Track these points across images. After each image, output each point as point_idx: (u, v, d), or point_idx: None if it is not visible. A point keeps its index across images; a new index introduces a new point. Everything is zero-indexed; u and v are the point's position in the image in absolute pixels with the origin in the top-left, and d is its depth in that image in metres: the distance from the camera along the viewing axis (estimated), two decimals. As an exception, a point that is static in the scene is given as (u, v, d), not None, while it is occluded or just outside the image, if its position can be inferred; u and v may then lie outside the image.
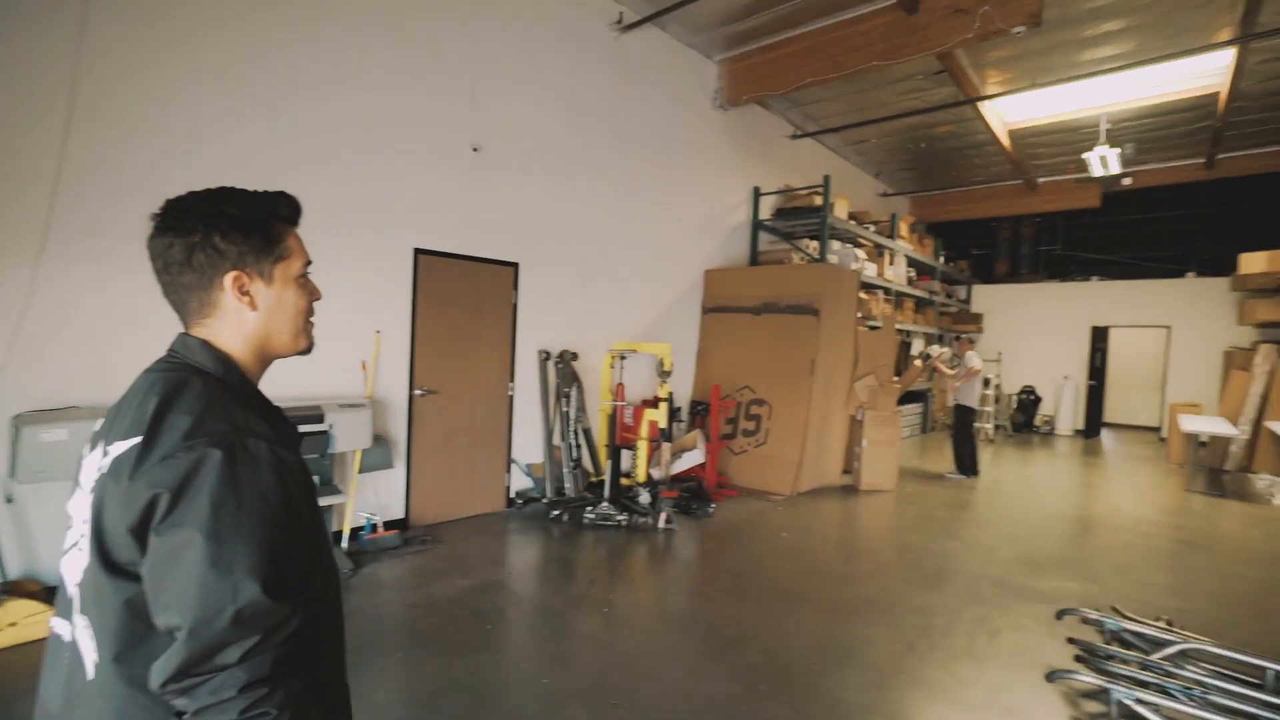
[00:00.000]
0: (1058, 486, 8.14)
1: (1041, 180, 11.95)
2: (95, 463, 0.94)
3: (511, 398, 6.14)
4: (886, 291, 10.05)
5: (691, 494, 6.56)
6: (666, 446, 6.43)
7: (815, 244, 8.81)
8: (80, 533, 0.93)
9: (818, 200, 8.43)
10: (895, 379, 10.28)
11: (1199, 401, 10.74)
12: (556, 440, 6.20)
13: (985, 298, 14.12)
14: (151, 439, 0.87)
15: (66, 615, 0.94)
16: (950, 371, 8.41)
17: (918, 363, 8.45)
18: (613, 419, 6.23)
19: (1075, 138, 9.88)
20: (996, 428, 12.14)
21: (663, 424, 6.33)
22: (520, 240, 6.13)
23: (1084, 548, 5.56)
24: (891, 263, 10.13)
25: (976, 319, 13.46)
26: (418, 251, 5.44)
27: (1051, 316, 13.28)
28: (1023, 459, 10.06)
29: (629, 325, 7.29)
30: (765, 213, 9.04)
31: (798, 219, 8.76)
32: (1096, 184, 11.24)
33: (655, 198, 7.54)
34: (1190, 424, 8.24)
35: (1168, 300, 12.20)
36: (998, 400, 12.20)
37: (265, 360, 1.06)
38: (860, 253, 9.05)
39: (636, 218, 7.31)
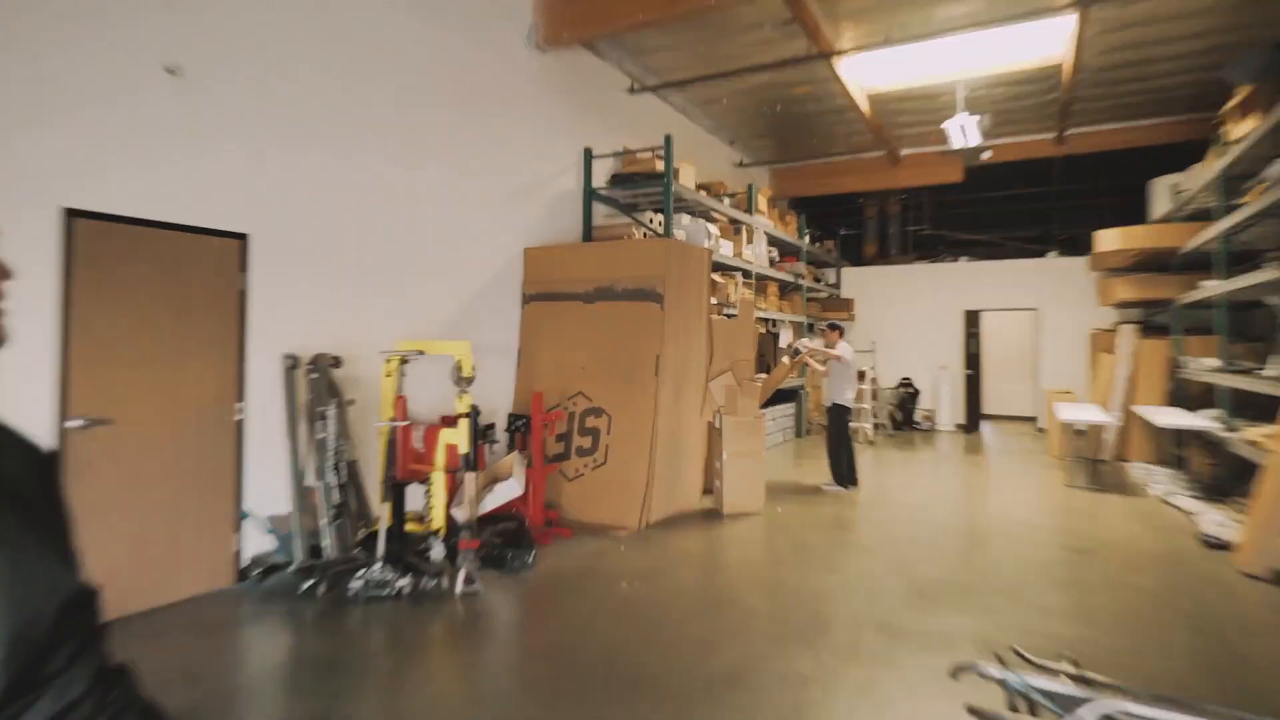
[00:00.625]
0: (943, 492, 8.07)
1: (905, 153, 12.24)
2: None
3: (240, 423, 4.89)
4: (746, 274, 9.69)
5: (508, 539, 5.62)
6: (471, 478, 5.44)
7: (660, 218, 8.18)
8: None
9: (660, 165, 7.80)
10: (759, 377, 9.97)
11: (1070, 388, 11.37)
12: (311, 480, 5.01)
13: (856, 281, 14.39)
14: None
15: None
16: (822, 367, 8.12)
17: (786, 360, 8.04)
18: (392, 445, 5.15)
19: (935, 105, 10.07)
20: (876, 427, 12.26)
21: (464, 448, 5.33)
22: (254, 205, 4.90)
23: (975, 567, 5.26)
24: (750, 241, 9.79)
25: (847, 305, 13.63)
26: (71, 214, 4.10)
27: (924, 300, 13.73)
28: (905, 461, 10.09)
29: (423, 320, 6.22)
30: (601, 180, 8.29)
31: (638, 187, 8.10)
32: (958, 157, 11.67)
33: (456, 158, 6.54)
34: (1066, 413, 8.50)
35: (1034, 281, 12.95)
36: (875, 396, 12.32)
37: None
38: (713, 228, 8.57)
39: (430, 182, 6.26)
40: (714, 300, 8.40)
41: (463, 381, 5.42)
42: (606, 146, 8.36)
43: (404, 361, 5.45)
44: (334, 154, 5.46)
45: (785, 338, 11.56)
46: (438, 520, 5.39)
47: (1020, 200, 13.52)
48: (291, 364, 5.00)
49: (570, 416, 6.82)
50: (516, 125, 7.27)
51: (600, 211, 8.51)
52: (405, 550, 5.01)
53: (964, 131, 9.31)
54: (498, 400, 7.05)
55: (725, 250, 9.05)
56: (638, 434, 6.44)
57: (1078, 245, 12.63)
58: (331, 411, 4.94)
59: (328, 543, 4.88)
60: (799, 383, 11.84)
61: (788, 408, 11.71)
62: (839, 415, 7.93)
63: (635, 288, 6.68)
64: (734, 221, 9.64)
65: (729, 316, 8.28)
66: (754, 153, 12.62)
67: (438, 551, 4.85)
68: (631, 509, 6.30)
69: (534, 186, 7.53)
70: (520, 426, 6.37)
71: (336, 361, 5.14)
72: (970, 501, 7.61)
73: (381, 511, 4.86)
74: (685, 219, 8.54)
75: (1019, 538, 6.03)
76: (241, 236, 4.90)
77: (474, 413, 5.58)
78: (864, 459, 10.00)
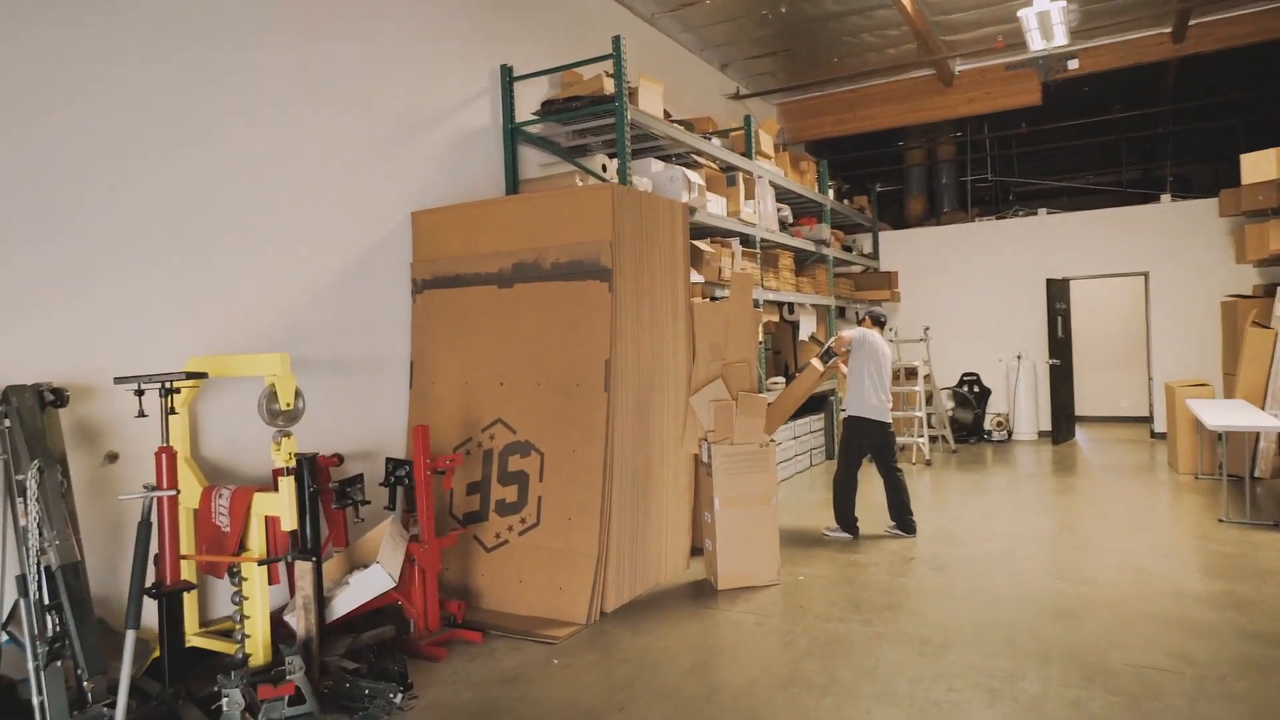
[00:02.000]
0: (1035, 537, 6.82)
1: (960, 68, 11.02)
2: None
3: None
4: (746, 241, 8.45)
5: (377, 656, 4.38)
6: (305, 569, 4.21)
7: (615, 164, 6.95)
8: None
9: (609, 83, 6.56)
10: (770, 386, 8.72)
11: (1203, 378, 10.14)
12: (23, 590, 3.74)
13: (898, 249, 13.14)
14: None
15: None
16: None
17: (816, 362, 6.74)
18: (146, 528, 3.87)
19: (1001, -4, 8.89)
20: (933, 440, 11.01)
21: (287, 522, 4.12)
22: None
23: (1118, 686, 3.99)
24: (751, 195, 8.55)
25: (888, 280, 12.38)
26: None
27: (991, 269, 12.50)
28: (975, 488, 8.83)
29: (242, 326, 4.98)
30: (528, 112, 7.06)
31: (582, 119, 6.86)
32: (1034, 71, 10.47)
33: (290, 80, 5.29)
34: (1210, 416, 7.24)
35: (1141, 237, 11.73)
36: (930, 399, 11.08)
37: None
38: (695, 177, 7.33)
39: (248, 115, 5.02)
40: (698, 278, 7.16)
41: (279, 417, 4.18)
42: (535, 64, 7.13)
43: (167, 392, 4.19)
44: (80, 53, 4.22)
45: (807, 328, 10.32)
46: (254, 639, 4.16)
47: (1120, 128, 12.31)
48: None
49: (486, 457, 5.58)
50: (391, 35, 6.03)
51: (532, 160, 7.28)
52: (181, 695, 3.76)
53: (1044, 26, 8.10)
54: (386, 437, 5.81)
55: (715, 207, 7.81)
56: (583, 478, 5.19)
57: (1198, 185, 11.44)
58: (33, 481, 3.66)
59: (44, 687, 3.61)
60: (829, 385, 10.60)
61: (812, 420, 10.47)
62: (852, 432, 6.90)
63: (570, 260, 5.43)
64: (727, 169, 8.40)
65: (715, 300, 7.04)
66: (754, 80, 11.41)
67: (232, 703, 3.58)
68: (578, 592, 5.05)
69: (424, 123, 6.29)
70: (402, 477, 5.12)
71: (57, 397, 3.87)
72: (1078, 551, 6.34)
73: (125, 645, 3.58)
74: (656, 165, 7.31)
75: (1164, 618, 4.77)
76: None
77: (303, 466, 4.35)
78: (919, 485, 8.77)
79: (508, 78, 6.99)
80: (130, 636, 3.61)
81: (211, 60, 4.87)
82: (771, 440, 5.67)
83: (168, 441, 4.09)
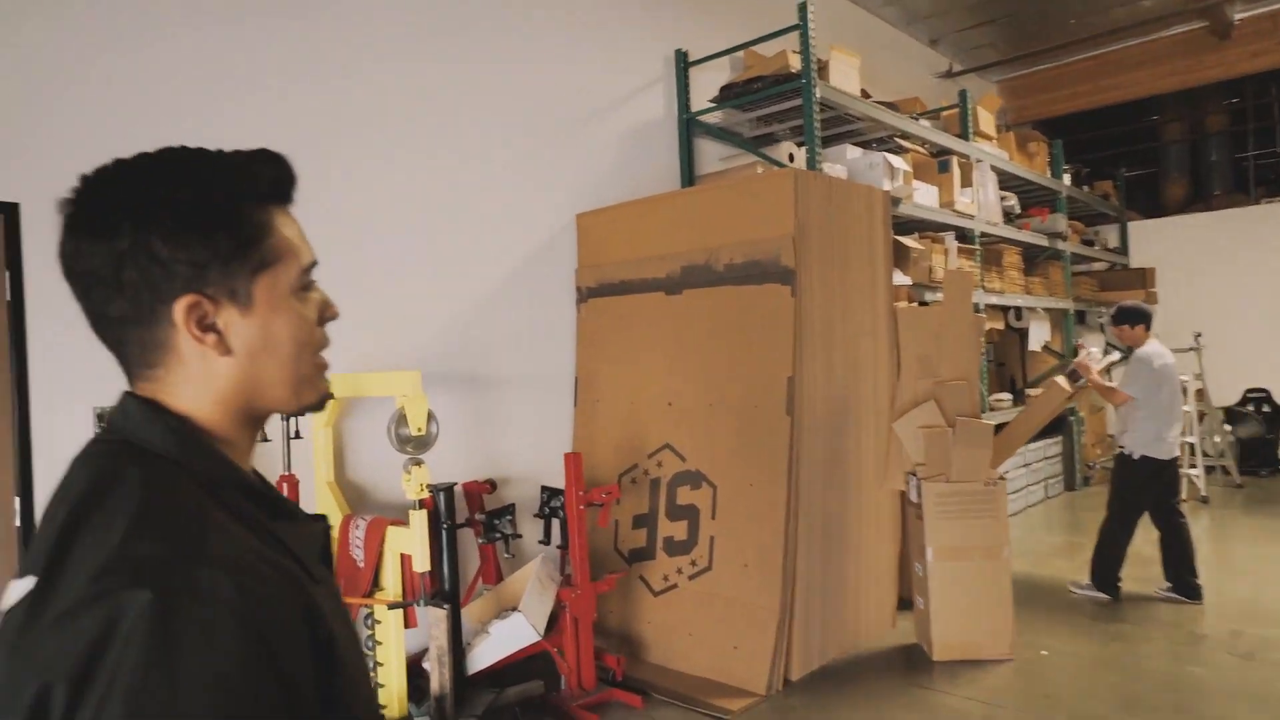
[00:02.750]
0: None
1: (1240, 16, 9.17)
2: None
3: (26, 532, 3.51)
4: (963, 236, 7.31)
5: (520, 718, 3.86)
6: (439, 616, 3.74)
7: (803, 152, 6.13)
8: None
9: (794, 60, 5.76)
10: (993, 404, 7.48)
11: None
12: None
13: (1153, 241, 11.24)
14: (50, 577, 0.70)
15: None
16: (1109, 382, 5.62)
17: (1061, 381, 5.48)
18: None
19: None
20: (1209, 471, 9.20)
21: (420, 563, 3.67)
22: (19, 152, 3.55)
23: None
24: (968, 183, 7.40)
25: (1141, 278, 10.58)
26: None
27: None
28: (1275, 538, 7.13)
29: (395, 340, 4.65)
30: (705, 100, 6.39)
31: (766, 103, 6.11)
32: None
33: (443, 79, 4.94)
34: None
35: None
36: (1201, 419, 9.27)
37: (253, 424, 0.90)
38: (900, 163, 6.35)
39: (400, 118, 4.70)
40: (904, 279, 6.18)
41: (409, 443, 3.73)
42: (711, 45, 6.44)
43: (286, 416, 3.81)
44: (186, 71, 4.01)
45: (1039, 336, 8.93)
46: (387, 689, 3.75)
47: None
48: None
49: (653, 487, 4.94)
50: (554, 24, 5.57)
51: (710, 154, 6.61)
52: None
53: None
54: (553, 459, 5.31)
55: (924, 197, 6.78)
56: (762, 517, 4.42)
57: None
58: None
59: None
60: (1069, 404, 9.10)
61: (1047, 444, 9.01)
62: (1136, 475, 5.45)
63: (746, 260, 4.69)
64: (938, 153, 7.33)
65: (924, 305, 6.02)
66: (970, 54, 10.13)
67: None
68: (756, 655, 4.28)
69: (591, 118, 5.79)
70: (556, 509, 4.57)
71: None
72: None
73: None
74: (852, 152, 6.40)
75: None
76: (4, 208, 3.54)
77: (439, 498, 3.89)
78: (1195, 530, 7.17)
79: (682, 64, 6.37)
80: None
81: (364, 67, 4.58)
82: (1000, 478, 4.62)
83: (289, 468, 3.75)
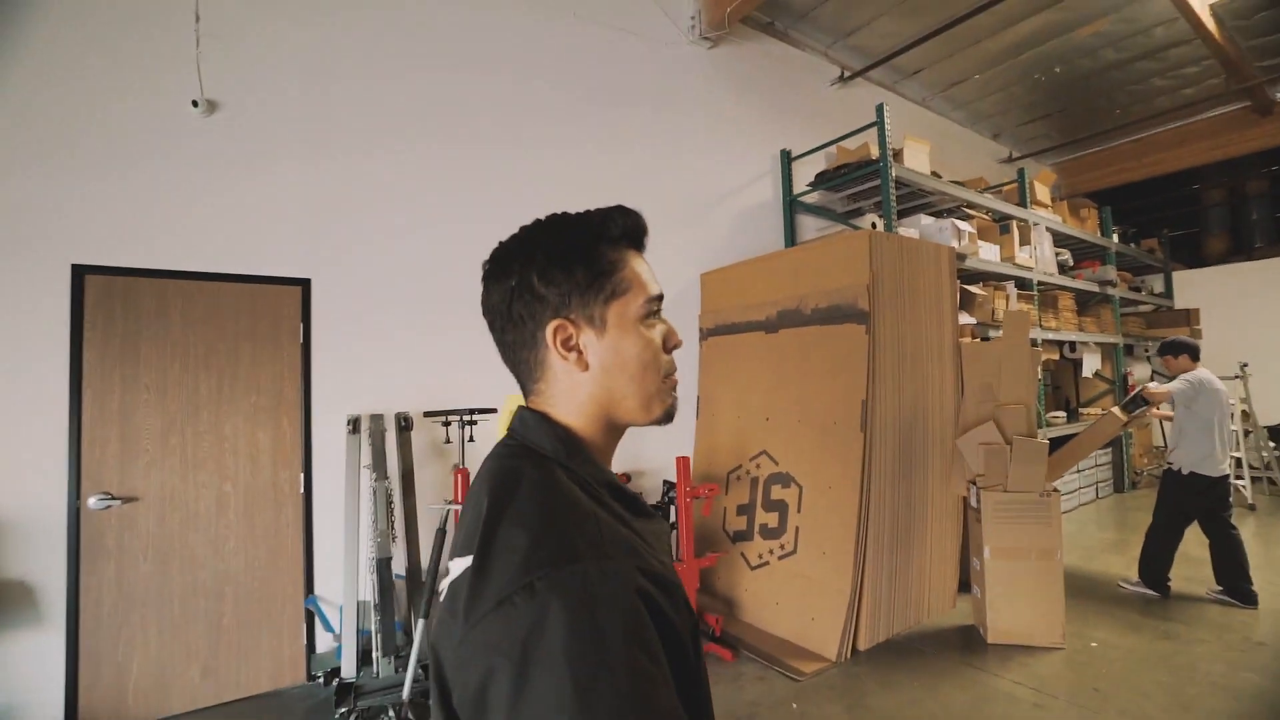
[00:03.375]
0: None
1: None
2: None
3: (308, 498, 3.37)
4: (1022, 285, 6.04)
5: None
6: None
7: (882, 222, 5.23)
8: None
9: (874, 149, 4.90)
10: (1050, 420, 6.08)
11: None
12: (366, 570, 3.25)
13: (1196, 287, 9.05)
14: (484, 564, 0.64)
15: None
16: (1168, 410, 4.29)
17: (1116, 410, 4.09)
18: (441, 536, 3.17)
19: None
20: (1254, 481, 7.16)
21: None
22: (313, 244, 3.46)
23: None
24: (1026, 241, 6.11)
25: (1185, 318, 8.50)
26: (80, 270, 2.96)
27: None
28: (1322, 544, 5.31)
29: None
30: (804, 185, 5.63)
31: (852, 184, 5.27)
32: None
33: (603, 177, 4.55)
34: None
35: None
36: (1248, 435, 7.24)
37: (614, 433, 0.78)
38: (966, 226, 5.28)
39: (556, 205, 4.35)
40: (969, 319, 5.11)
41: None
42: (808, 144, 5.67)
43: (470, 422, 3.46)
44: (422, 177, 3.82)
45: (1091, 365, 7.32)
46: None
47: None
48: (352, 427, 3.33)
49: (753, 484, 4.24)
50: (689, 133, 5.05)
51: (809, 226, 5.82)
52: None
53: None
54: (673, 461, 4.77)
55: (987, 254, 5.63)
56: (838, 514, 3.62)
57: None
58: (379, 487, 3.13)
59: (379, 653, 3.04)
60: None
61: (1098, 452, 7.33)
62: (1184, 489, 4.07)
63: (829, 305, 3.92)
64: (1000, 219, 6.11)
65: (985, 340, 4.91)
66: (1027, 143, 8.59)
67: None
68: (829, 627, 3.48)
69: (715, 201, 5.20)
70: (673, 499, 3.99)
71: (407, 423, 3.36)
72: None
73: (415, 631, 2.88)
74: (925, 220, 5.41)
75: None
76: (302, 282, 3.45)
77: None
78: (1246, 533, 5.46)
79: (786, 160, 5.64)
80: (420, 624, 2.90)
81: (555, 178, 4.27)
82: (1054, 489, 3.54)
83: (464, 463, 3.41)
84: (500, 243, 0.77)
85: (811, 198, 5.59)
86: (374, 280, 3.62)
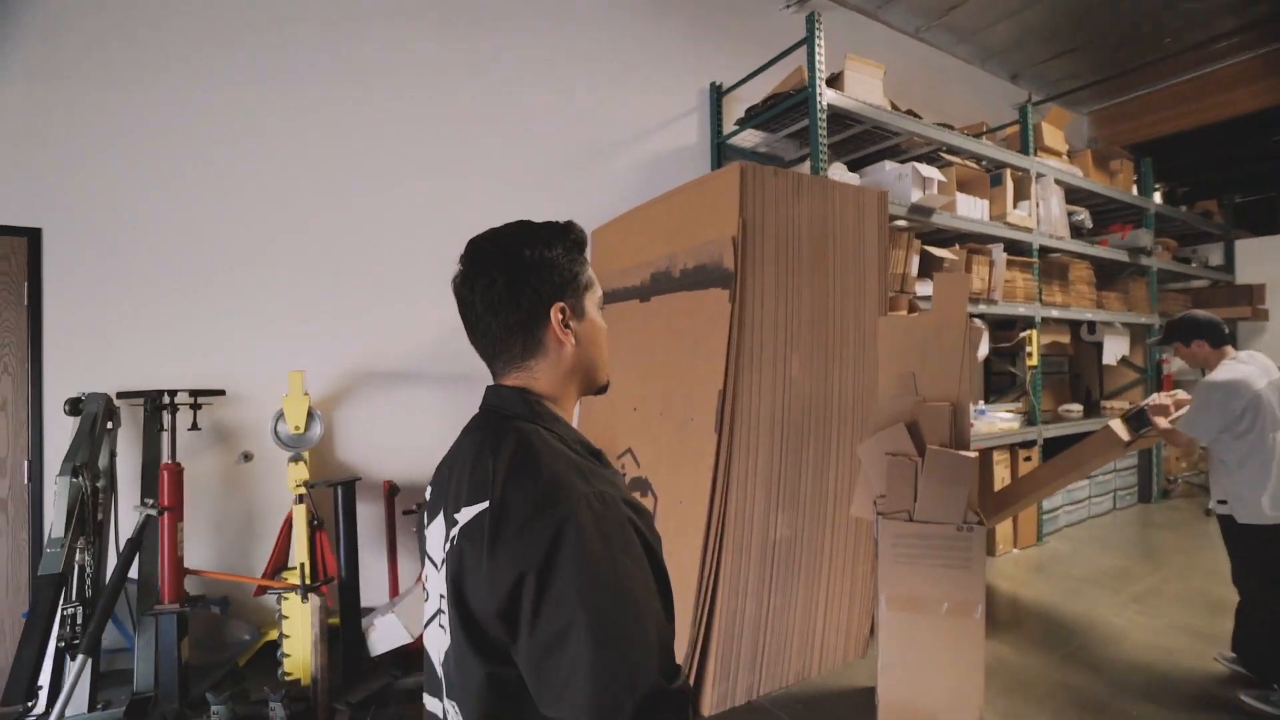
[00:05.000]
0: None
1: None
2: (440, 534, 0.86)
3: (36, 493, 2.73)
4: (1016, 249, 4.82)
5: (377, 705, 2.53)
6: (313, 606, 2.51)
7: (840, 170, 4.15)
8: (438, 607, 0.84)
9: (806, 72, 3.81)
10: (1063, 413, 4.86)
11: None
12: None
13: (1265, 259, 7.41)
14: (501, 506, 0.77)
15: (437, 695, 0.86)
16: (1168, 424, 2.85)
17: (1116, 425, 2.84)
18: (133, 545, 2.41)
19: None
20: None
21: (298, 554, 2.46)
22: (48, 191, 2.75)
23: None
24: (1025, 196, 4.87)
25: (1248, 295, 6.94)
26: None
27: None
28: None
29: (383, 348, 3.47)
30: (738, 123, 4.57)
31: (783, 120, 4.21)
32: None
33: (465, 109, 3.68)
34: None
35: None
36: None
37: (577, 398, 0.95)
38: (933, 172, 4.12)
39: (411, 146, 3.51)
40: (903, 288, 4.02)
41: (287, 441, 2.50)
42: (754, 89, 4.60)
43: (159, 405, 2.68)
44: (199, 104, 3.04)
45: (1115, 350, 6.01)
46: (294, 660, 2.58)
47: None
48: (69, 408, 2.60)
49: (621, 486, 3.34)
50: (588, 60, 4.10)
51: (749, 176, 4.76)
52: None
53: None
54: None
55: (970, 209, 4.47)
56: (685, 537, 2.71)
57: None
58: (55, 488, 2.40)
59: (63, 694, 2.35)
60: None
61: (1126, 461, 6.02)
62: (1250, 543, 2.68)
63: (697, 265, 2.95)
64: (996, 169, 4.89)
65: (917, 315, 3.80)
66: (1052, 85, 7.14)
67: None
68: (672, 684, 2.59)
69: (623, 145, 4.24)
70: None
71: (162, 401, 2.60)
72: None
73: (71, 672, 2.14)
74: (889, 166, 4.29)
75: None
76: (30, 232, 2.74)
77: (338, 492, 2.64)
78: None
79: (716, 95, 4.60)
80: (79, 662, 2.18)
81: (405, 92, 3.43)
82: (978, 522, 2.51)
83: (176, 457, 2.64)
84: (479, 239, 0.88)
85: (745, 140, 4.53)
86: (119, 234, 2.89)
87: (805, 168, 4.31)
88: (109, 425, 2.63)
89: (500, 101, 3.78)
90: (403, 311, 3.45)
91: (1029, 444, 4.77)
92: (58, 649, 2.28)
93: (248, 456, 3.05)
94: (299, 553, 2.49)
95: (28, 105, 2.77)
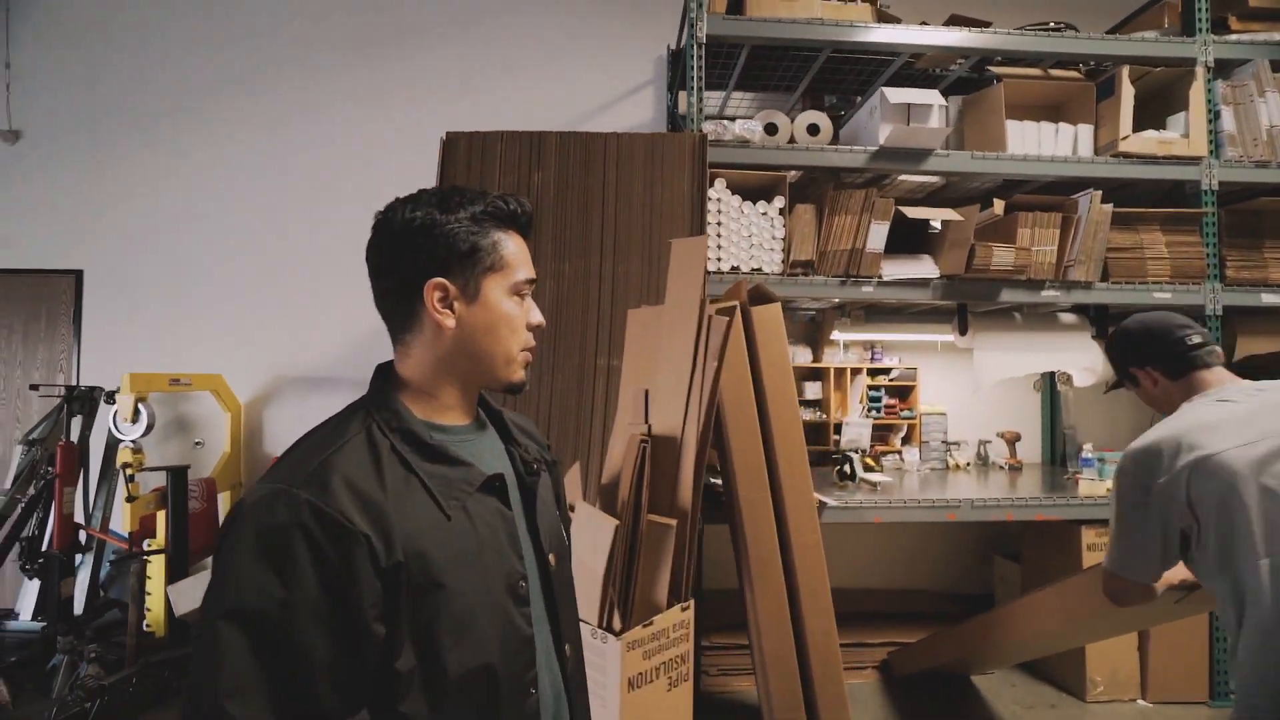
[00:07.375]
0: None
1: None
2: None
3: None
4: (1139, 199, 2.83)
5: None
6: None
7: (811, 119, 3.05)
8: None
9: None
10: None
11: None
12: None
13: None
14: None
15: None
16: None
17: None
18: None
19: None
20: None
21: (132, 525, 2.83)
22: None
23: None
24: (1180, 106, 2.81)
25: None
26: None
27: None
28: None
29: (315, 343, 3.75)
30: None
31: (716, 68, 3.25)
32: None
33: (366, 88, 3.79)
34: None
35: None
36: None
37: (466, 390, 0.80)
38: (926, 97, 2.67)
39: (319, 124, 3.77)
40: (929, 272, 2.67)
41: (123, 432, 2.87)
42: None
43: (70, 400, 3.14)
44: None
45: None
46: (154, 614, 2.96)
47: None
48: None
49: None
50: (525, 32, 3.82)
51: (719, 153, 3.80)
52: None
53: None
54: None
55: (1035, 142, 2.80)
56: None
57: None
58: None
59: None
60: None
61: None
62: None
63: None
64: (1093, 71, 2.96)
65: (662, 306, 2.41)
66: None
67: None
68: None
69: (568, 128, 3.81)
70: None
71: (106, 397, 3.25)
72: None
73: None
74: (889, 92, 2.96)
75: None
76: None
77: (169, 477, 2.91)
78: None
79: (673, 62, 3.79)
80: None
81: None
82: (615, 630, 1.50)
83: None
84: (396, 201, 0.77)
85: (710, 107, 3.63)
86: (126, 270, 3.69)
87: (805, 118, 3.22)
88: (76, 412, 3.36)
89: (417, 77, 3.69)
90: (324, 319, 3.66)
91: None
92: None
93: (199, 443, 3.63)
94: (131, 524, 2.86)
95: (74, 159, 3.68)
